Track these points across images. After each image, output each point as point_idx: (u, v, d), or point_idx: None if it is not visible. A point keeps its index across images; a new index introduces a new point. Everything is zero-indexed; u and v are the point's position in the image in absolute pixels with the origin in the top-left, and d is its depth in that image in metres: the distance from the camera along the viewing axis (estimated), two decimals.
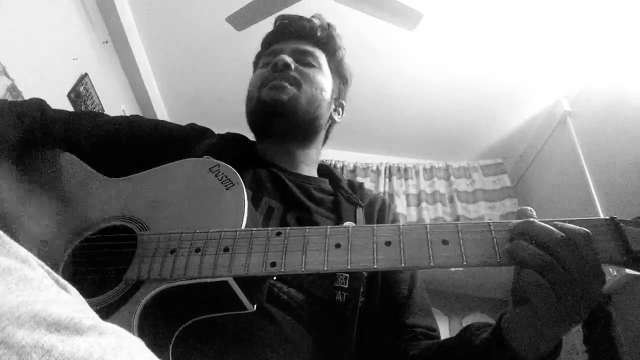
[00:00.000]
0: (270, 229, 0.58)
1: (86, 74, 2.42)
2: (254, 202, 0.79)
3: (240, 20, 2.24)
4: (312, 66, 0.97)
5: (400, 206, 2.95)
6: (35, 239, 0.65)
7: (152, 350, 0.32)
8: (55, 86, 2.23)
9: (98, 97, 2.54)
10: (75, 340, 0.25)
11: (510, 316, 0.56)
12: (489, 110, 2.94)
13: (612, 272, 1.97)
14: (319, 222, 0.80)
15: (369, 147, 3.29)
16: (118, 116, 0.97)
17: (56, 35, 2.24)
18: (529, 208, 0.56)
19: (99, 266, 0.61)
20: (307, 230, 0.57)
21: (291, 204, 0.82)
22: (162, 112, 3.24)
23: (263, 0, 2.16)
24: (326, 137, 1.06)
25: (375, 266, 0.53)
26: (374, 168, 3.14)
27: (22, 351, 0.23)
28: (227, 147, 0.90)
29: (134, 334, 0.44)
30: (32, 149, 0.79)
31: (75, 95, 2.34)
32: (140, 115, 1.89)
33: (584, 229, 0.50)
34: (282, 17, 1.05)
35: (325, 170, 1.02)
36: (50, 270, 0.31)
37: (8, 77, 1.84)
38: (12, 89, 1.85)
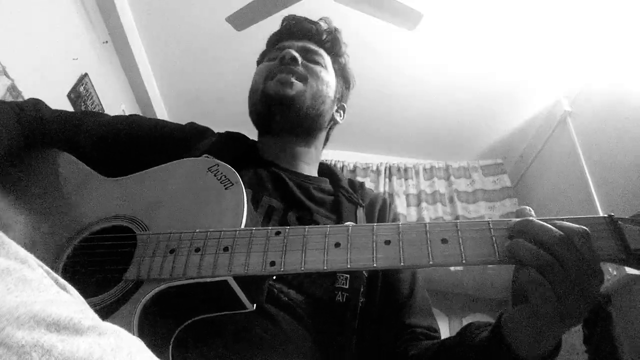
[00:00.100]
0: (270, 228, 0.58)
1: (86, 74, 2.42)
2: (254, 201, 0.79)
3: (240, 20, 2.24)
4: (318, 64, 0.97)
5: (400, 206, 2.95)
6: (35, 239, 0.65)
7: (152, 350, 0.32)
8: (55, 86, 2.23)
9: (98, 97, 2.54)
10: (74, 340, 0.25)
11: (510, 315, 0.56)
12: (489, 110, 2.94)
13: (612, 272, 1.97)
14: (320, 222, 0.80)
15: (369, 147, 3.29)
16: (117, 116, 0.96)
17: (56, 35, 2.23)
18: (527, 207, 0.56)
19: (98, 266, 0.61)
20: (306, 229, 0.57)
21: (291, 203, 0.82)
22: (162, 112, 3.23)
23: (263, 0, 2.16)
24: (327, 139, 1.06)
25: (374, 265, 0.53)
26: (374, 168, 3.14)
27: (22, 351, 0.23)
28: (227, 147, 0.90)
29: (133, 334, 0.44)
30: (30, 149, 0.79)
31: (75, 95, 2.34)
32: (140, 115, 1.90)
33: (582, 227, 0.50)
34: (290, 17, 1.06)
35: (326, 169, 1.02)
36: (50, 271, 0.31)
37: (8, 77, 1.84)
38: (12, 89, 1.85)
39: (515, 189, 3.11)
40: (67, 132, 0.85)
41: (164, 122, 0.98)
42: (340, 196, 0.88)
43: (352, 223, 0.80)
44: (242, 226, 0.59)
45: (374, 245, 0.54)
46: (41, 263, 0.31)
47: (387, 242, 0.54)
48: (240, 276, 0.55)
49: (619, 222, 0.51)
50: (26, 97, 1.31)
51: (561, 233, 0.49)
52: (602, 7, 2.23)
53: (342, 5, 2.14)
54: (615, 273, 1.96)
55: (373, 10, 2.15)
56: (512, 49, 2.54)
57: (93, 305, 0.54)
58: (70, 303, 0.29)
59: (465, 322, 3.07)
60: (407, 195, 3.04)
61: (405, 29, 2.22)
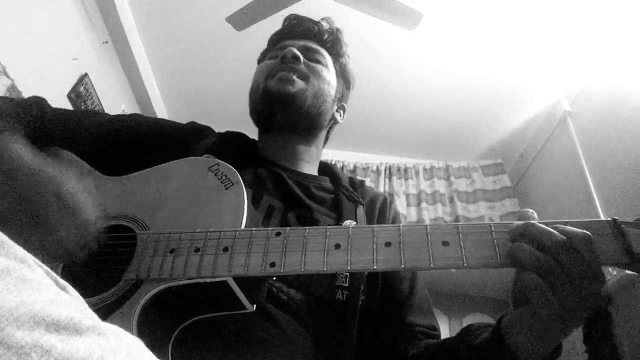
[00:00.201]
0: (270, 229, 0.58)
1: (86, 74, 2.42)
2: (254, 200, 0.79)
3: (240, 20, 2.24)
4: (320, 63, 0.97)
5: (400, 206, 2.95)
6: (34, 239, 0.65)
7: (152, 350, 0.32)
8: (55, 86, 2.23)
9: (98, 97, 2.54)
10: (74, 340, 0.25)
11: (510, 317, 0.56)
12: (489, 110, 2.94)
13: (612, 272, 1.97)
14: (320, 221, 0.80)
15: (369, 147, 3.29)
16: (118, 115, 0.96)
17: (56, 35, 2.23)
18: (530, 210, 0.55)
19: (98, 265, 0.61)
20: (306, 230, 0.57)
21: (292, 202, 0.82)
22: (162, 112, 3.24)
23: (263, 0, 2.16)
24: (327, 138, 1.06)
25: (375, 267, 0.53)
26: (374, 168, 3.14)
27: (22, 351, 0.23)
28: (228, 146, 0.90)
29: (133, 334, 0.44)
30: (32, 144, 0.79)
31: (75, 95, 2.34)
32: (141, 114, 1.90)
33: (584, 231, 0.49)
34: (292, 16, 1.06)
35: (326, 168, 1.02)
36: (50, 271, 0.31)
37: (8, 77, 1.84)
38: (12, 89, 1.85)
39: (515, 189, 3.11)
40: (68, 131, 0.85)
41: (164, 121, 0.98)
42: (340, 194, 0.88)
43: (352, 222, 0.80)
44: (242, 226, 0.59)
45: (375, 247, 0.54)
46: (40, 263, 0.31)
47: (388, 244, 0.54)
48: (240, 277, 0.55)
49: (622, 225, 0.51)
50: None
51: (563, 237, 0.49)
52: (602, 7, 2.23)
53: (342, 5, 2.14)
54: (615, 273, 1.96)
55: (373, 10, 2.15)
56: (512, 49, 2.54)
57: (92, 305, 0.54)
58: (70, 303, 0.29)
59: (465, 322, 3.07)
60: (407, 195, 3.04)
61: (405, 29, 2.22)
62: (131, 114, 0.98)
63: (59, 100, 2.22)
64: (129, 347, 0.28)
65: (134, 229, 0.63)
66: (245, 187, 0.63)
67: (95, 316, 0.30)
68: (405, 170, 3.14)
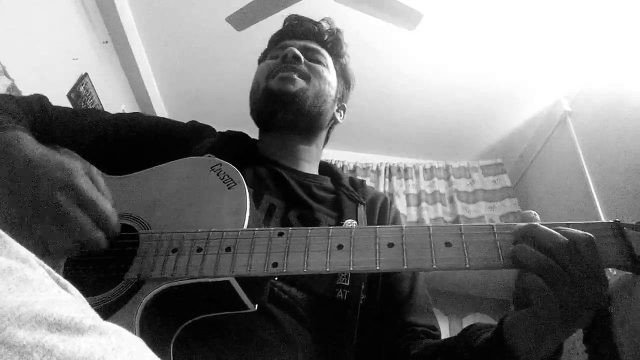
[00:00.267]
0: (273, 229, 0.58)
1: (86, 74, 2.42)
2: (255, 200, 0.79)
3: (240, 20, 2.24)
4: (320, 63, 0.98)
5: (400, 206, 2.95)
6: (35, 238, 0.65)
7: (153, 350, 0.32)
8: (55, 86, 2.23)
9: (98, 97, 2.55)
10: (76, 340, 0.25)
11: (512, 318, 0.56)
12: (489, 110, 2.94)
13: (612, 272, 1.97)
14: (321, 220, 0.80)
15: (369, 147, 3.29)
16: (119, 113, 0.96)
17: (56, 35, 2.23)
18: (532, 212, 0.56)
19: (100, 264, 0.61)
20: (309, 231, 0.57)
21: (293, 201, 0.82)
22: (162, 112, 3.24)
23: (263, 0, 2.16)
24: (327, 138, 1.07)
25: (377, 267, 0.53)
26: (374, 168, 3.14)
27: (23, 351, 0.23)
28: (229, 145, 0.90)
29: (135, 334, 0.44)
30: None
31: (75, 95, 2.34)
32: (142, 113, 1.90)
33: (587, 233, 0.49)
34: (292, 16, 1.06)
35: (326, 168, 1.02)
36: (51, 270, 0.31)
37: (8, 77, 1.84)
38: (12, 89, 1.85)
39: (515, 189, 3.11)
40: (69, 129, 0.85)
41: (165, 120, 0.98)
42: (341, 194, 0.88)
43: (353, 221, 0.80)
44: (245, 226, 0.59)
45: (377, 248, 0.54)
46: (42, 262, 0.31)
47: (390, 245, 0.54)
48: (242, 277, 0.55)
49: (624, 228, 0.51)
50: None
51: (566, 239, 0.49)
52: (602, 7, 2.23)
53: (342, 5, 2.14)
54: (615, 273, 1.96)
55: (373, 10, 2.15)
56: (512, 49, 2.54)
57: (94, 304, 0.54)
58: (72, 303, 0.29)
59: (465, 322, 3.07)
60: (407, 195, 3.04)
61: (405, 29, 2.22)
62: (132, 113, 0.98)
63: (59, 100, 2.22)
64: (131, 347, 0.28)
65: (136, 228, 0.63)
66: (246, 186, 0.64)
67: (96, 316, 0.30)
68: (405, 170, 3.14)
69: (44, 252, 0.53)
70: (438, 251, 0.53)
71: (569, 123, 2.64)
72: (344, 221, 0.81)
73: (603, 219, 2.20)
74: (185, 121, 1.00)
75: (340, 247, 0.55)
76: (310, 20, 1.04)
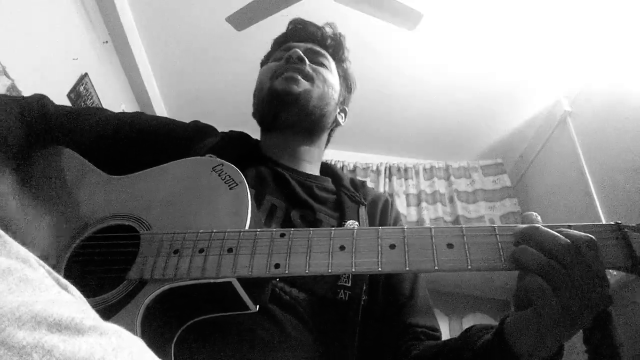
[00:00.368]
0: (274, 230, 0.58)
1: (86, 74, 2.42)
2: (257, 200, 0.79)
3: (240, 20, 2.24)
4: (324, 66, 0.99)
5: (400, 206, 2.95)
6: (36, 238, 0.65)
7: (154, 351, 0.32)
8: (55, 86, 2.23)
9: (98, 97, 2.54)
10: (76, 340, 0.25)
11: (513, 320, 0.56)
12: (489, 110, 2.94)
13: (612, 272, 1.97)
14: (323, 221, 0.80)
15: (369, 147, 3.29)
16: (120, 112, 0.96)
17: (56, 35, 2.23)
18: (534, 213, 0.55)
19: (101, 265, 0.61)
20: (311, 232, 0.57)
21: (294, 202, 0.82)
22: (162, 112, 3.23)
23: (263, 0, 2.16)
24: (328, 141, 1.07)
25: (379, 269, 0.53)
26: (374, 168, 3.14)
27: (23, 351, 0.23)
28: (231, 145, 0.90)
29: (136, 334, 0.44)
30: (33, 145, 0.78)
31: (75, 95, 2.34)
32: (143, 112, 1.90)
33: (589, 235, 0.49)
34: (297, 20, 1.07)
35: (327, 169, 1.02)
36: (51, 270, 0.31)
37: (8, 77, 1.84)
38: (12, 89, 1.85)
39: (515, 189, 3.11)
40: (70, 129, 0.85)
41: (167, 120, 0.98)
42: (342, 195, 0.89)
43: (355, 222, 0.80)
44: (247, 227, 0.59)
45: (379, 249, 0.54)
46: (42, 263, 0.31)
47: (392, 246, 0.54)
48: (244, 278, 0.55)
49: (626, 229, 0.51)
50: None
51: (567, 241, 0.49)
52: (602, 7, 2.23)
53: (342, 5, 2.14)
54: (615, 273, 1.96)
55: (373, 10, 2.15)
56: (512, 49, 2.54)
57: (95, 305, 0.54)
58: (72, 303, 0.29)
59: (465, 322, 3.07)
60: (407, 195, 3.04)
61: (405, 29, 2.22)
62: (134, 112, 0.98)
63: (59, 100, 2.19)
64: (131, 347, 0.28)
65: (137, 228, 0.62)
66: (248, 187, 0.63)
67: (97, 316, 0.30)
68: (405, 170, 3.14)
69: None
70: (440, 252, 0.53)
71: (569, 123, 2.64)
72: (346, 222, 0.81)
73: (603, 219, 2.21)
74: (185, 121, 1.00)
75: (342, 248, 0.55)
76: (314, 25, 1.05)
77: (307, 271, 0.54)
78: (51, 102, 0.87)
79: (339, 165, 3.13)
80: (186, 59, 2.91)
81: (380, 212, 0.91)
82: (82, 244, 0.64)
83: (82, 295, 0.33)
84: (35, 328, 0.24)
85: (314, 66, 0.96)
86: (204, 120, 1.01)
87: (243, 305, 0.57)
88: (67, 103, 2.30)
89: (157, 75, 3.04)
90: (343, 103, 1.05)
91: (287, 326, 0.67)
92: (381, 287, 0.81)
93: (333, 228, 0.57)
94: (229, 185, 0.63)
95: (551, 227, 0.52)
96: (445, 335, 0.73)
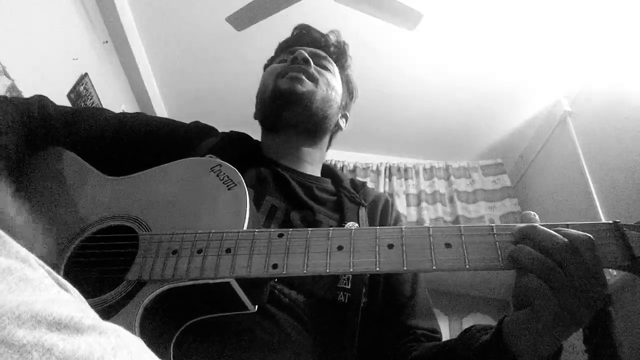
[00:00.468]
0: (272, 230, 0.58)
1: (86, 74, 2.42)
2: (256, 201, 0.79)
3: (240, 20, 2.24)
4: (327, 70, 1.00)
5: (400, 206, 2.95)
6: (36, 238, 0.65)
7: (153, 351, 0.32)
8: (55, 86, 2.23)
9: (98, 97, 2.55)
10: (75, 339, 0.25)
11: (511, 319, 0.56)
12: (489, 110, 2.94)
13: (612, 272, 1.97)
14: (323, 222, 0.80)
15: (369, 147, 3.29)
16: (120, 113, 0.96)
17: (56, 35, 2.23)
18: (532, 213, 0.55)
19: (100, 266, 0.61)
20: (309, 232, 0.57)
21: (294, 203, 0.82)
22: (162, 112, 3.24)
23: (263, 0, 2.16)
24: (329, 144, 1.08)
25: (377, 269, 0.53)
26: (374, 168, 3.14)
27: (23, 350, 0.23)
28: (231, 146, 0.91)
29: (135, 335, 0.44)
30: (33, 146, 0.79)
31: (75, 95, 2.34)
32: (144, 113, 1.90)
33: (586, 234, 0.49)
34: (302, 25, 1.08)
35: (327, 170, 1.02)
36: (51, 270, 0.31)
37: (8, 77, 1.84)
38: (12, 89, 1.85)
39: (515, 189, 3.11)
40: (70, 130, 0.85)
41: (167, 121, 0.98)
42: (342, 196, 0.89)
43: (354, 224, 0.80)
44: (245, 227, 0.59)
45: (377, 249, 0.54)
46: (42, 263, 0.31)
47: (390, 246, 0.54)
48: (243, 278, 0.55)
49: (624, 228, 0.51)
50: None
51: (565, 240, 0.49)
52: (602, 7, 2.23)
53: (342, 5, 2.14)
54: (615, 273, 1.96)
55: (373, 10, 2.15)
56: (512, 49, 2.54)
57: (94, 306, 0.54)
58: (71, 302, 0.29)
59: (465, 322, 3.07)
60: (407, 195, 3.04)
61: (405, 29, 2.22)
62: (134, 113, 0.98)
63: (59, 100, 2.20)
64: (130, 347, 0.29)
65: (136, 229, 0.63)
66: (247, 187, 0.63)
67: (96, 315, 0.30)
68: (405, 170, 3.14)
69: None
70: (438, 252, 0.53)
71: (569, 123, 2.65)
72: (346, 223, 0.81)
73: (603, 219, 2.21)
74: (185, 121, 1.00)
75: (340, 248, 0.55)
76: (319, 31, 1.07)
77: (305, 271, 0.54)
78: (51, 102, 0.87)
79: (339, 166, 3.13)
80: (186, 59, 2.91)
81: (381, 212, 0.91)
82: (81, 244, 0.64)
83: (81, 295, 0.33)
84: (35, 327, 0.24)
85: (318, 68, 0.97)
86: (204, 121, 1.01)
87: (242, 305, 0.57)
88: (67, 103, 2.30)
89: (157, 75, 3.04)
90: (345, 108, 1.06)
91: (286, 327, 0.67)
92: (381, 289, 0.81)
93: (331, 228, 0.57)
94: (227, 186, 0.64)
95: (549, 226, 0.52)
96: (445, 335, 0.73)
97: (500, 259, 0.52)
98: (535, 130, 2.97)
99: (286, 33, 1.12)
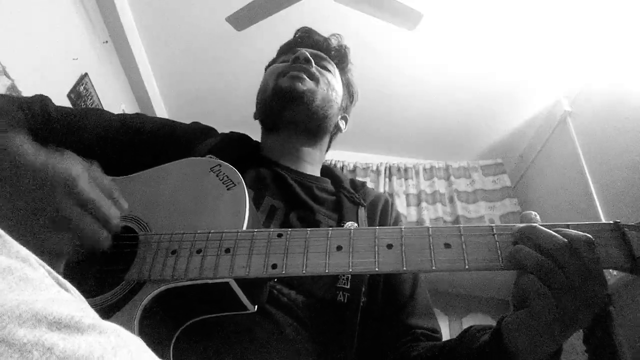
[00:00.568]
0: (272, 230, 0.58)
1: (86, 74, 2.42)
2: (256, 201, 0.79)
3: (240, 20, 2.24)
4: (328, 71, 1.00)
5: (400, 206, 2.95)
6: (36, 238, 0.65)
7: (153, 351, 0.32)
8: (55, 86, 2.23)
9: (98, 97, 2.55)
10: (76, 338, 0.25)
11: (511, 320, 0.55)
12: (489, 110, 2.94)
13: (612, 272, 1.97)
14: (322, 222, 0.80)
15: (369, 147, 3.29)
16: (121, 114, 0.97)
17: (56, 35, 2.24)
18: (533, 213, 0.55)
19: (99, 266, 0.61)
20: (308, 232, 0.57)
21: (294, 203, 0.83)
22: (162, 112, 3.24)
23: (263, 0, 2.16)
24: (329, 145, 1.08)
25: (376, 269, 0.53)
26: (374, 168, 3.14)
27: (24, 349, 0.23)
28: (231, 147, 0.91)
29: (134, 334, 0.44)
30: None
31: (75, 95, 2.34)
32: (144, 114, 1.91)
33: (586, 234, 0.49)
34: (304, 29, 1.09)
35: (327, 171, 1.02)
36: (51, 270, 0.31)
37: (8, 77, 1.84)
38: (12, 89, 1.85)
39: (515, 189, 3.11)
40: (71, 130, 0.85)
41: (167, 121, 0.98)
42: (341, 196, 0.89)
43: (354, 224, 0.80)
44: (244, 227, 0.59)
45: (376, 249, 0.54)
46: (42, 262, 0.31)
47: (390, 246, 0.54)
48: (242, 278, 0.55)
49: (625, 229, 0.50)
50: None
51: (565, 240, 0.49)
52: (602, 7, 2.23)
53: (342, 5, 2.14)
54: (615, 273, 1.96)
55: (373, 10, 2.15)
56: (512, 49, 2.54)
57: (94, 305, 0.54)
58: (71, 302, 0.29)
59: (465, 322, 3.07)
60: (407, 195, 3.04)
61: (405, 29, 2.22)
62: (135, 114, 0.99)
63: (59, 100, 2.20)
64: (130, 346, 0.29)
65: (136, 229, 0.63)
66: (246, 187, 0.64)
67: (96, 315, 0.30)
68: (405, 170, 3.14)
69: (44, 255, 0.52)
70: (437, 252, 0.53)
71: (569, 123, 2.64)
72: (345, 223, 0.81)
73: (603, 219, 2.21)
74: (185, 121, 1.00)
75: (339, 248, 0.55)
76: (320, 35, 1.08)
77: (304, 271, 0.54)
78: (52, 103, 0.88)
79: (339, 166, 3.14)
80: (186, 59, 2.91)
81: (380, 212, 0.91)
82: None
83: (81, 295, 0.33)
84: (36, 326, 0.25)
85: (319, 69, 0.97)
86: (203, 121, 1.02)
87: (241, 305, 0.57)
88: (67, 103, 2.30)
89: (157, 75, 3.04)
90: (345, 110, 1.07)
91: (286, 327, 0.67)
92: (381, 288, 0.81)
93: (330, 228, 0.57)
94: (226, 186, 0.64)
95: (549, 226, 0.51)
96: (445, 335, 0.73)
97: (500, 259, 0.51)
98: (535, 130, 2.97)
99: (286, 33, 1.12)
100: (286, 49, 1.07)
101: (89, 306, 0.31)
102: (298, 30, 1.10)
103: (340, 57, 1.07)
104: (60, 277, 0.31)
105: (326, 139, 1.03)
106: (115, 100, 2.78)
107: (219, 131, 1.00)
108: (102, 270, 0.61)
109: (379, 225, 0.87)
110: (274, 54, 1.11)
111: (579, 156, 2.49)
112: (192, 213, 0.63)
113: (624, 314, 1.92)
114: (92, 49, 2.54)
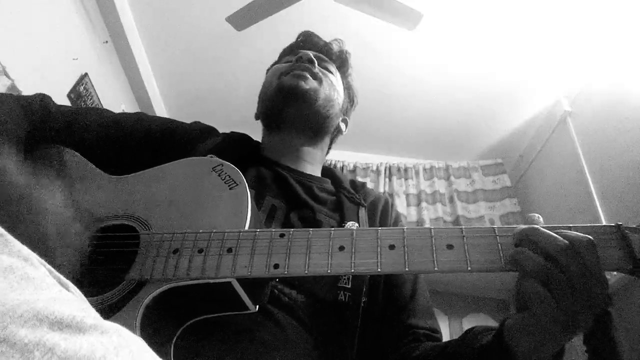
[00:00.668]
0: (274, 230, 0.58)
1: (86, 74, 2.42)
2: (257, 201, 0.79)
3: (240, 20, 2.24)
4: (330, 72, 1.01)
5: (400, 206, 2.95)
6: (37, 237, 0.64)
7: (154, 350, 0.32)
8: (55, 86, 2.23)
9: (98, 97, 2.54)
10: (77, 338, 0.25)
11: (513, 321, 0.55)
12: (489, 110, 2.94)
13: (612, 273, 1.97)
14: (323, 222, 0.80)
15: (369, 147, 3.29)
16: (122, 113, 0.97)
17: (56, 35, 2.23)
18: (536, 215, 0.55)
19: (101, 265, 0.61)
20: (310, 232, 0.57)
21: (294, 203, 0.83)
22: (162, 112, 3.23)
23: (263, 0, 2.16)
24: (330, 147, 1.08)
25: (379, 269, 0.53)
26: (374, 168, 3.14)
27: (25, 349, 0.23)
28: (232, 147, 0.91)
29: (136, 334, 0.44)
30: (34, 144, 0.79)
31: (75, 95, 2.34)
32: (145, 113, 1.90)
33: (587, 236, 0.49)
34: (306, 32, 1.10)
35: (327, 171, 1.03)
36: (52, 269, 0.31)
37: (8, 77, 1.84)
38: (12, 89, 1.85)
39: (515, 189, 3.11)
40: (72, 129, 0.85)
41: (168, 121, 0.98)
42: (342, 196, 0.89)
43: (355, 224, 0.80)
44: (246, 227, 0.59)
45: (379, 250, 0.54)
46: (43, 262, 0.31)
47: (392, 247, 0.54)
48: (244, 278, 0.55)
49: (626, 231, 0.50)
50: None
51: (566, 242, 0.49)
52: (602, 7, 2.23)
53: (342, 5, 2.14)
54: (615, 273, 1.96)
55: (373, 10, 2.15)
56: (512, 49, 2.54)
57: (95, 305, 0.54)
58: (73, 301, 0.29)
59: (465, 322, 3.07)
60: (407, 195, 3.04)
61: (405, 29, 2.22)
62: (135, 113, 0.99)
63: (59, 100, 2.19)
64: (131, 346, 0.28)
65: (137, 228, 0.63)
66: (248, 187, 0.63)
67: (97, 315, 0.30)
68: (405, 170, 3.14)
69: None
70: (439, 253, 0.53)
71: (569, 123, 2.64)
72: (346, 223, 0.81)
73: (603, 219, 2.21)
74: (185, 121, 1.00)
75: (341, 248, 0.55)
76: (322, 39, 1.08)
77: (306, 272, 0.54)
78: (53, 101, 0.88)
79: (339, 166, 3.14)
80: (186, 59, 2.91)
81: (381, 213, 0.91)
82: None
83: (82, 294, 0.33)
84: (37, 326, 0.24)
85: (321, 69, 0.98)
86: (204, 121, 1.02)
87: (242, 305, 0.57)
88: (67, 103, 2.30)
89: (157, 75, 3.04)
90: (345, 113, 1.08)
91: (287, 327, 0.67)
92: (381, 289, 0.81)
93: (332, 229, 0.57)
94: (228, 186, 0.64)
95: (551, 228, 0.51)
96: (446, 335, 0.73)
97: (502, 260, 0.52)
98: (535, 130, 2.97)
99: (286, 33, 1.13)
100: (288, 52, 1.08)
101: (90, 306, 0.31)
102: (300, 34, 1.11)
103: (341, 61, 1.07)
104: (61, 277, 0.31)
105: (327, 140, 1.04)
106: (115, 100, 2.78)
107: (220, 131, 1.00)
108: (103, 269, 0.61)
109: (379, 226, 0.87)
110: (274, 54, 1.11)
111: (579, 156, 2.49)
112: (194, 212, 0.63)
113: (624, 315, 1.92)
114: (92, 49, 2.54)
